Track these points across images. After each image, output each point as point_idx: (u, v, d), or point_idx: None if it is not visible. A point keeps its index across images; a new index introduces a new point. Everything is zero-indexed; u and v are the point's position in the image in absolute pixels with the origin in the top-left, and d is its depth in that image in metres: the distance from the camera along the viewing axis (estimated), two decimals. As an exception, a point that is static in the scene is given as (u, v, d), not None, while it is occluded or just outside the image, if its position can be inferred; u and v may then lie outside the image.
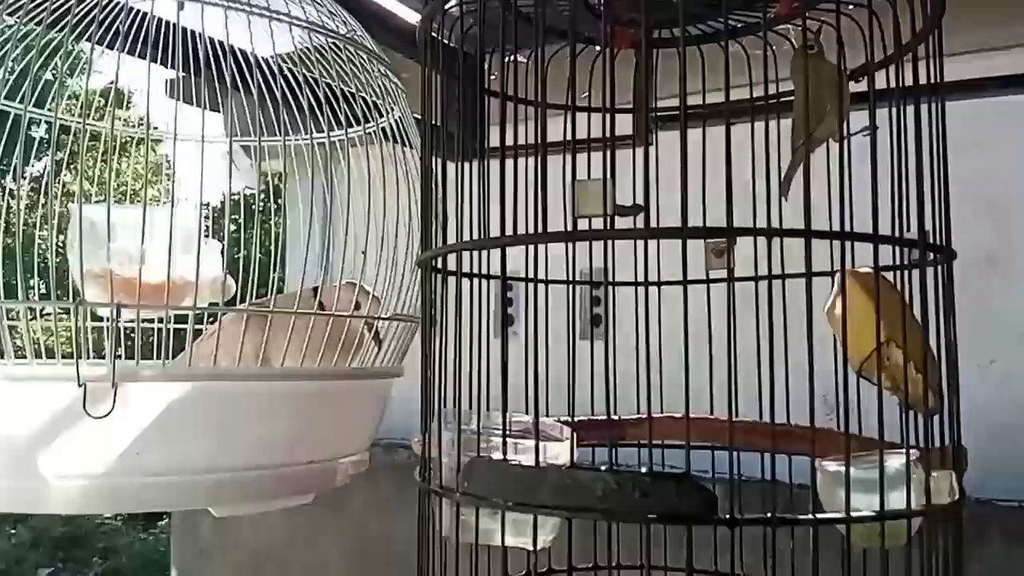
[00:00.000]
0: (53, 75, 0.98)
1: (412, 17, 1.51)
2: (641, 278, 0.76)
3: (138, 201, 1.30)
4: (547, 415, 0.70)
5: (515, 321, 0.65)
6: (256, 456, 0.85)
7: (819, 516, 0.53)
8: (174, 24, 1.00)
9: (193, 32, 1.03)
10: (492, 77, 0.68)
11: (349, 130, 1.03)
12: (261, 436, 0.86)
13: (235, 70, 1.01)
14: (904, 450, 0.56)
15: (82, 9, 0.88)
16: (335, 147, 1.05)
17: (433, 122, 0.74)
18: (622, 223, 0.65)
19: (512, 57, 0.66)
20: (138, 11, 1.01)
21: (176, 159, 0.90)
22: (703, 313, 0.79)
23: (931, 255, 0.63)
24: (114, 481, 0.78)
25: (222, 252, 1.05)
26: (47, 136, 1.09)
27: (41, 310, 0.89)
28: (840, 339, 0.64)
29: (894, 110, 0.63)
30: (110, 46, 0.92)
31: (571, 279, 0.85)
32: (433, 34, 0.73)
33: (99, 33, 0.87)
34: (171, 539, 3.21)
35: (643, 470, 0.51)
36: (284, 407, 0.88)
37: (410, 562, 0.71)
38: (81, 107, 1.06)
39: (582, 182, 0.57)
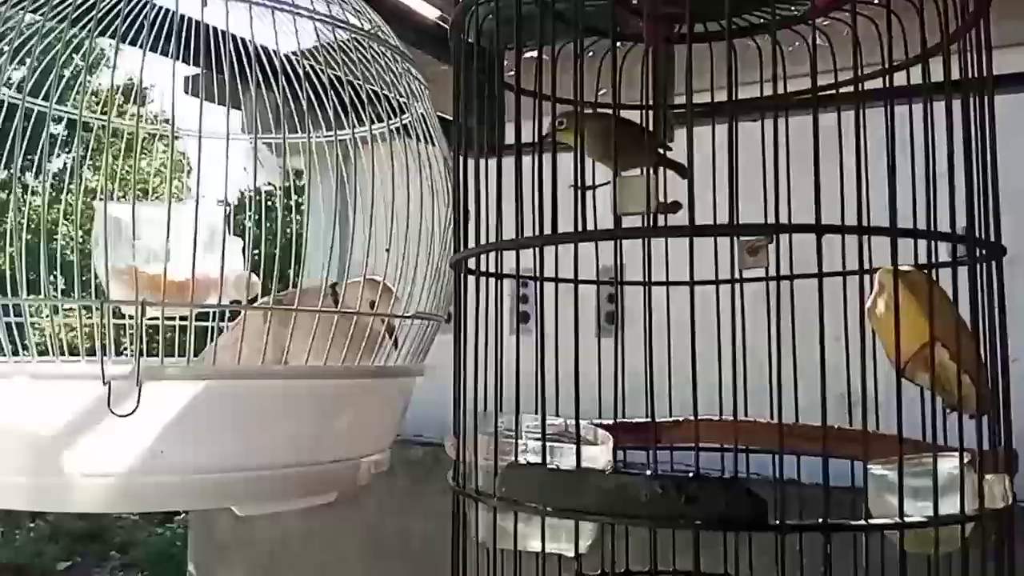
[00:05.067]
0: (75, 72, 0.97)
1: (432, 13, 1.49)
2: (674, 277, 0.75)
3: (158, 198, 1.29)
4: (572, 416, 0.68)
5: (537, 320, 0.63)
6: (280, 455, 0.84)
7: (872, 522, 0.51)
8: (196, 21, 0.99)
9: (215, 28, 1.02)
10: (510, 74, 0.67)
11: (370, 127, 1.01)
12: (285, 435, 0.85)
13: (256, 66, 1.00)
14: (955, 453, 0.55)
15: (105, 5, 0.87)
16: (355, 144, 1.03)
17: (462, 121, 0.72)
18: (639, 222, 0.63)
19: (544, 55, 0.64)
20: (160, 7, 1.00)
21: (196, 156, 0.89)
22: (729, 312, 0.78)
23: (979, 251, 0.61)
24: (138, 480, 0.77)
25: (243, 249, 1.04)
26: (66, 132, 1.09)
27: (65, 307, 0.88)
28: (883, 339, 0.62)
29: (935, 104, 0.61)
30: (132, 42, 0.91)
31: (601, 279, 0.83)
32: (465, 37, 0.72)
33: (122, 29, 0.86)
34: (188, 534, 3.21)
35: (689, 474, 0.49)
36: (308, 405, 0.87)
37: (426, 558, 0.70)
38: (102, 104, 1.05)
39: (624, 179, 0.56)
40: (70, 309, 0.88)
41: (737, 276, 0.64)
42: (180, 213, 0.82)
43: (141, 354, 0.76)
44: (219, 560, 3.00)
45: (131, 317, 0.84)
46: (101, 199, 0.87)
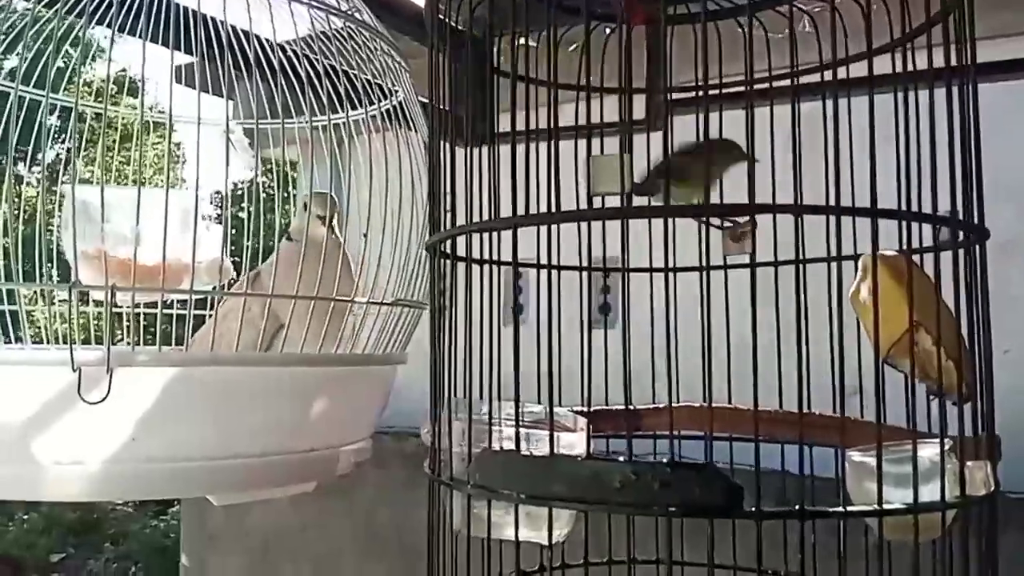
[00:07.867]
0: (65, 62, 0.96)
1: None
2: (658, 263, 0.73)
3: (152, 187, 1.28)
4: (560, 404, 0.67)
5: (524, 309, 0.62)
6: (255, 443, 0.83)
7: (850, 509, 0.50)
8: (171, 4, 0.97)
9: (194, 13, 1.00)
10: (501, 59, 0.65)
11: (355, 113, 1.00)
12: (261, 422, 0.84)
13: (238, 51, 0.99)
14: (936, 440, 0.54)
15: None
16: (341, 130, 1.02)
17: (441, 105, 0.71)
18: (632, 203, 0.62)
19: (524, 40, 0.63)
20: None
21: (185, 144, 0.88)
22: (719, 299, 0.76)
23: (963, 235, 0.60)
24: (110, 468, 0.76)
25: (224, 236, 1.03)
26: (57, 123, 1.07)
27: (42, 293, 0.87)
28: (866, 325, 0.61)
29: (924, 91, 0.60)
30: (109, 25, 0.90)
31: (584, 265, 0.81)
32: (441, 16, 0.70)
33: (98, 13, 0.85)
34: (181, 525, 3.20)
35: (663, 460, 0.48)
36: (283, 393, 0.86)
37: (420, 551, 0.69)
38: (78, 91, 1.03)
39: (597, 157, 0.54)
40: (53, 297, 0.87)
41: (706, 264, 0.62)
42: (154, 197, 0.81)
43: (113, 340, 0.74)
44: (211, 551, 2.99)
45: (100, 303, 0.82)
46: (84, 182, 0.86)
